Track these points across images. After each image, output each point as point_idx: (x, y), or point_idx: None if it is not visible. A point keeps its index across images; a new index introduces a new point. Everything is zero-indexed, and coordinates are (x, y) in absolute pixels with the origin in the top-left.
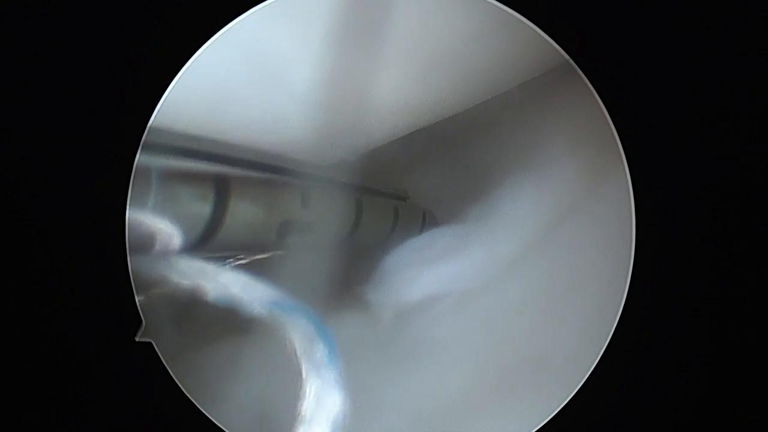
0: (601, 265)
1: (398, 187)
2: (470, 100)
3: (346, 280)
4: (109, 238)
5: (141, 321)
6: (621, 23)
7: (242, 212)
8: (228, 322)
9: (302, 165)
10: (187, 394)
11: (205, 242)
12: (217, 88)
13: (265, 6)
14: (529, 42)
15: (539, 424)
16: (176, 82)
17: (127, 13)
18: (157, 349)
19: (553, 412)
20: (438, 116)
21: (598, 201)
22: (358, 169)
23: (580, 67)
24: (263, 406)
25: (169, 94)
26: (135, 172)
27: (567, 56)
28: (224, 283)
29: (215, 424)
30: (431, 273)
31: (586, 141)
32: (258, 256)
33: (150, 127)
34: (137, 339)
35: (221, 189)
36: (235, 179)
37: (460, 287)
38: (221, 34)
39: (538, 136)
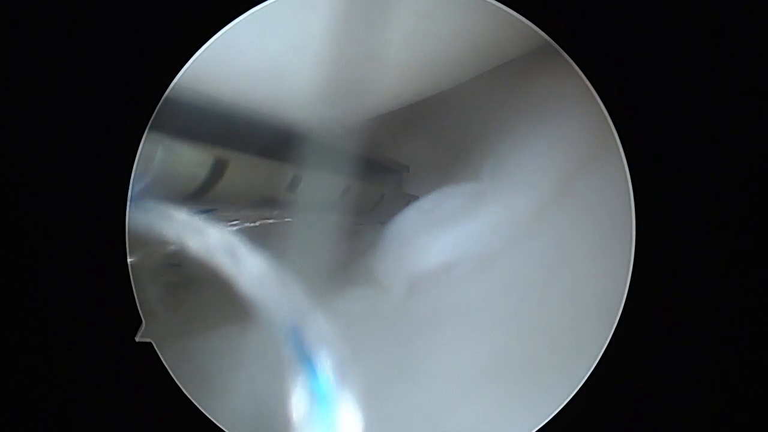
0: (612, 218)
1: (398, 160)
2: (469, 72)
3: (350, 251)
4: (110, 233)
5: (141, 321)
6: (603, 7)
7: (237, 178)
8: (224, 310)
9: (304, 125)
10: (183, 389)
11: (198, 198)
12: (234, 58)
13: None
14: (517, 27)
15: (572, 392)
16: (201, 52)
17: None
18: (152, 341)
19: (584, 377)
20: (438, 87)
21: (600, 163)
22: (359, 134)
23: (564, 48)
24: (259, 401)
25: (192, 63)
26: (145, 138)
27: (549, 38)
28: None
29: (211, 420)
30: (445, 236)
31: (572, 111)
32: (251, 223)
33: (168, 92)
34: (137, 339)
35: (220, 160)
36: (235, 149)
37: (479, 249)
38: (241, 19)
39: (538, 104)
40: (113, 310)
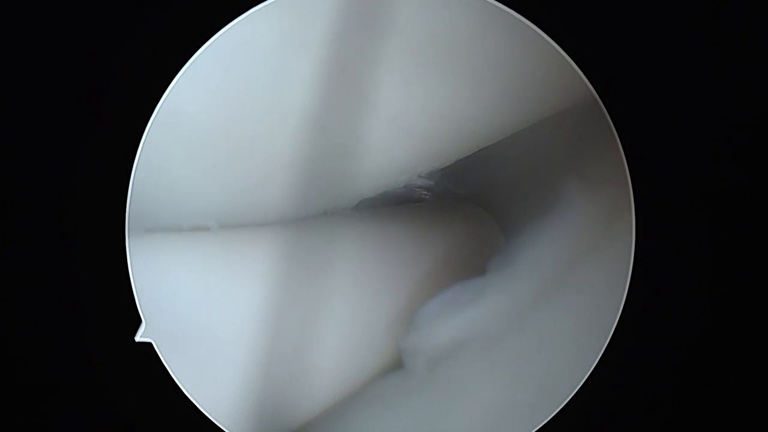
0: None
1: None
2: (484, 139)
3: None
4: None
5: (141, 321)
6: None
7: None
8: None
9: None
10: (183, 388)
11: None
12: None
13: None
14: (557, 69)
15: (572, 391)
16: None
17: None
18: (152, 341)
19: (583, 377)
20: (450, 158)
21: (610, 242)
22: (355, 227)
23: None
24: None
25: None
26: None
27: (594, 91)
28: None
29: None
30: (457, 319)
31: (600, 183)
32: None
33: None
34: (137, 339)
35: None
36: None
37: (485, 331)
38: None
39: (554, 178)
40: (113, 310)
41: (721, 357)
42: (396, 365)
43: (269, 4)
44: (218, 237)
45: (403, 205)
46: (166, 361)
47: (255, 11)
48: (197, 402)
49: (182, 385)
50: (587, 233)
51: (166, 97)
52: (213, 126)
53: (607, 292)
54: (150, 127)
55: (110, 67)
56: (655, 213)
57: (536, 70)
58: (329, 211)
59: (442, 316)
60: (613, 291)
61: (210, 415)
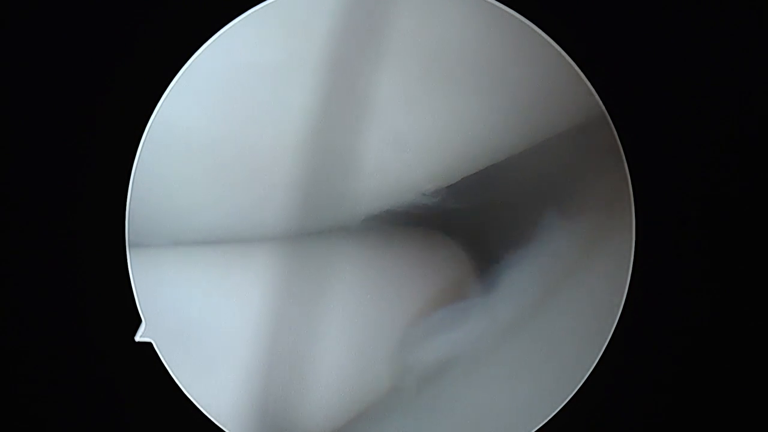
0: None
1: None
2: (475, 164)
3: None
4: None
5: (141, 321)
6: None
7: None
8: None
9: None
10: (182, 388)
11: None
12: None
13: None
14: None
15: (572, 391)
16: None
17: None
18: (152, 341)
19: (583, 378)
20: (453, 176)
21: (597, 265)
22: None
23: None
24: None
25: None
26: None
27: (602, 106)
28: None
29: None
30: (437, 341)
31: (581, 211)
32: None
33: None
34: (137, 339)
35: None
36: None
37: (467, 352)
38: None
39: (551, 201)
40: (113, 310)
41: (708, 390)
42: (389, 377)
43: (266, 8)
44: (217, 252)
45: (404, 223)
46: (166, 361)
47: (252, 16)
48: (197, 402)
49: (182, 385)
50: (580, 253)
51: (158, 110)
52: (211, 141)
53: (600, 311)
54: (145, 140)
55: (103, 81)
56: (655, 234)
57: (544, 82)
58: (328, 228)
59: (430, 337)
60: (605, 311)
61: (210, 415)
